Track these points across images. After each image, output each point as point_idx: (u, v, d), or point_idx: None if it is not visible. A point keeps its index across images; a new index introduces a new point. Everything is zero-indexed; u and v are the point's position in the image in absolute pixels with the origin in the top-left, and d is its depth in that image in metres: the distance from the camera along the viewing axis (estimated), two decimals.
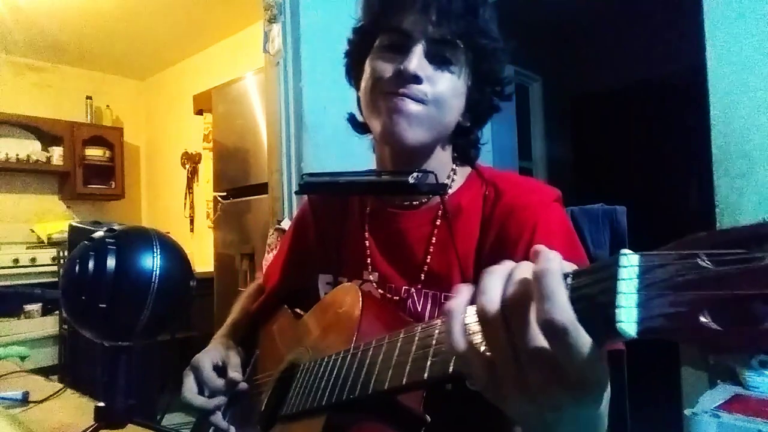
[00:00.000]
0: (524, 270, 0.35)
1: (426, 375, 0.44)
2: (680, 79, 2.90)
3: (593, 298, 0.31)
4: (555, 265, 0.33)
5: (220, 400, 0.79)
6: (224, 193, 3.11)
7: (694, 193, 3.41)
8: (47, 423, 0.94)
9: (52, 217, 4.36)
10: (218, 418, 0.79)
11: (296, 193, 0.83)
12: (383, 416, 0.56)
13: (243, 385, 0.80)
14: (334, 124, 2.12)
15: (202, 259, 3.64)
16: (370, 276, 0.77)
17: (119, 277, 0.61)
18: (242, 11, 3.46)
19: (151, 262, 0.63)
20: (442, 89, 0.69)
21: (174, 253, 0.67)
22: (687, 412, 1.28)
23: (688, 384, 1.67)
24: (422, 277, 0.72)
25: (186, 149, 4.39)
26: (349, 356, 0.57)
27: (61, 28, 3.76)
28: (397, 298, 0.74)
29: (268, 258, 2.15)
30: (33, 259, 3.88)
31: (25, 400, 1.05)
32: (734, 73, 1.56)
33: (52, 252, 3.94)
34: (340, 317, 0.67)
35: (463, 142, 0.78)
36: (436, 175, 0.72)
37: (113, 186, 4.59)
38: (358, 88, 0.77)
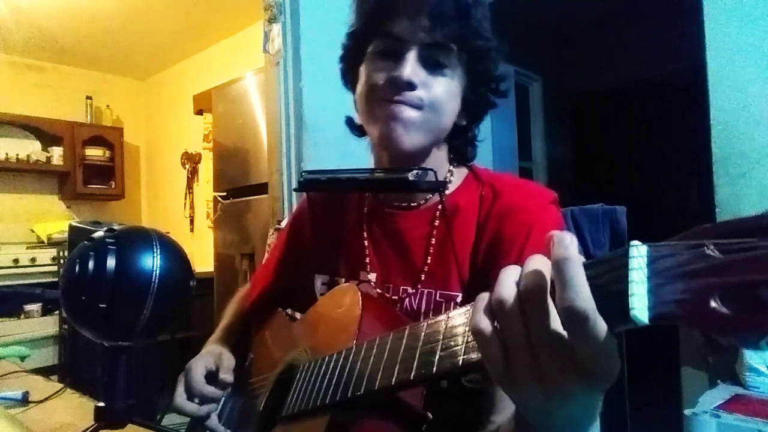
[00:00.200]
0: (539, 261, 0.36)
1: (435, 369, 0.44)
2: (680, 79, 2.90)
3: (606, 287, 0.32)
4: (575, 252, 0.34)
5: (212, 406, 0.79)
6: (224, 193, 3.11)
7: (694, 193, 3.41)
8: (47, 423, 0.94)
9: (52, 217, 4.36)
10: (214, 422, 0.79)
11: (295, 190, 0.83)
12: (386, 415, 0.56)
13: (221, 392, 0.79)
14: (334, 124, 2.12)
15: (202, 259, 3.64)
16: (368, 276, 0.77)
17: (119, 277, 0.61)
18: (242, 11, 3.46)
19: (151, 262, 0.63)
20: (438, 93, 0.69)
21: (174, 253, 0.67)
22: (687, 412, 1.28)
23: (688, 384, 1.68)
24: (422, 277, 0.72)
25: (186, 149, 4.39)
26: (353, 354, 0.56)
27: (61, 28, 3.76)
28: (396, 297, 0.74)
29: None
30: (33, 259, 3.88)
31: (25, 400, 1.05)
32: (734, 73, 1.56)
33: (52, 252, 3.94)
34: (340, 317, 0.66)
35: (459, 142, 0.78)
36: (435, 173, 0.72)
37: (113, 186, 4.60)
38: (354, 92, 0.77)
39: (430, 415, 0.56)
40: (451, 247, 0.71)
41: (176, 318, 0.69)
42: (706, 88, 1.61)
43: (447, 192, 0.75)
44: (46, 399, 1.06)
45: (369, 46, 0.72)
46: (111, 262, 0.61)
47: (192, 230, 4.37)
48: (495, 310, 0.37)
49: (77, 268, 0.61)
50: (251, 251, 2.82)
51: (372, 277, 0.77)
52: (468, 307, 0.43)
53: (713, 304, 0.28)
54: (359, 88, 0.73)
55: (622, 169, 3.92)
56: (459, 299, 0.70)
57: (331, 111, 2.17)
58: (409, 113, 0.68)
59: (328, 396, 0.57)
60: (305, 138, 2.20)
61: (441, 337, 0.45)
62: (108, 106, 4.77)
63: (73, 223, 2.77)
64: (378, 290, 0.75)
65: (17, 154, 4.14)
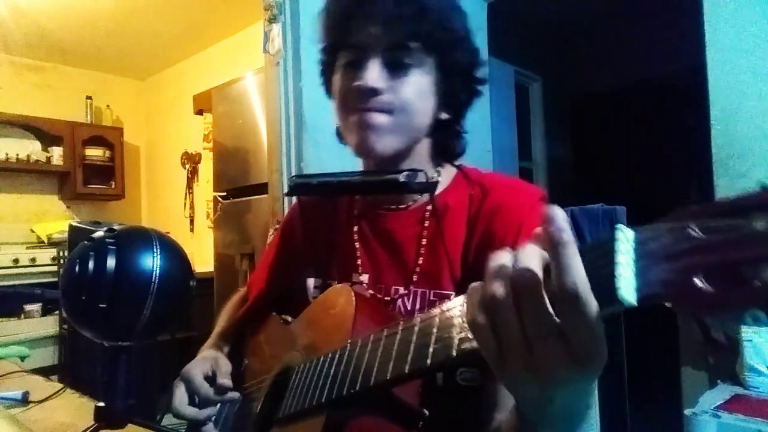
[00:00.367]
0: (530, 253, 0.36)
1: (429, 361, 0.44)
2: (680, 79, 2.90)
3: (595, 271, 0.33)
4: (570, 237, 0.34)
5: (212, 410, 0.79)
6: (224, 193, 3.11)
7: (694, 193, 3.41)
8: (47, 423, 0.94)
9: (52, 217, 4.36)
10: (210, 428, 0.79)
11: (286, 194, 0.83)
12: (383, 412, 0.56)
13: (233, 394, 0.79)
14: (334, 124, 2.12)
15: (202, 259, 3.64)
16: (360, 277, 0.77)
17: (119, 277, 0.61)
18: (242, 11, 3.46)
19: (151, 262, 0.63)
20: (407, 95, 0.69)
21: (174, 253, 0.67)
22: (687, 412, 1.28)
23: (688, 384, 1.68)
24: (414, 278, 0.73)
25: (186, 149, 4.39)
26: (347, 352, 0.57)
27: (61, 28, 3.76)
28: (388, 298, 0.74)
29: None
30: (33, 259, 3.88)
31: (25, 400, 1.05)
32: (734, 73, 1.56)
33: (52, 252, 3.94)
34: (334, 318, 0.66)
35: (443, 136, 0.77)
36: (426, 174, 0.73)
37: (113, 186, 4.59)
38: None
39: (426, 412, 0.57)
40: (443, 247, 0.71)
41: (176, 318, 0.69)
42: (706, 88, 1.61)
43: (436, 192, 0.75)
44: (46, 399, 1.06)
45: (337, 59, 0.74)
46: (111, 262, 0.61)
47: (192, 230, 4.37)
48: (488, 305, 0.37)
49: (77, 268, 0.61)
50: (251, 251, 2.82)
51: (364, 278, 0.77)
52: (461, 298, 0.44)
53: (698, 282, 0.29)
54: (334, 99, 0.75)
55: (622, 169, 3.92)
56: (453, 298, 0.70)
57: (331, 111, 2.17)
58: (378, 119, 0.69)
59: (324, 395, 0.57)
60: (305, 138, 2.20)
61: (435, 330, 0.45)
62: (108, 106, 4.77)
63: (73, 223, 2.77)
64: (371, 291, 0.75)
65: (17, 154, 4.14)
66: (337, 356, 0.58)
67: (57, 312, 3.75)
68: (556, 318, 0.34)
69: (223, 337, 0.93)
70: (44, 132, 4.28)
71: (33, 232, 4.21)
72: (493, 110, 2.87)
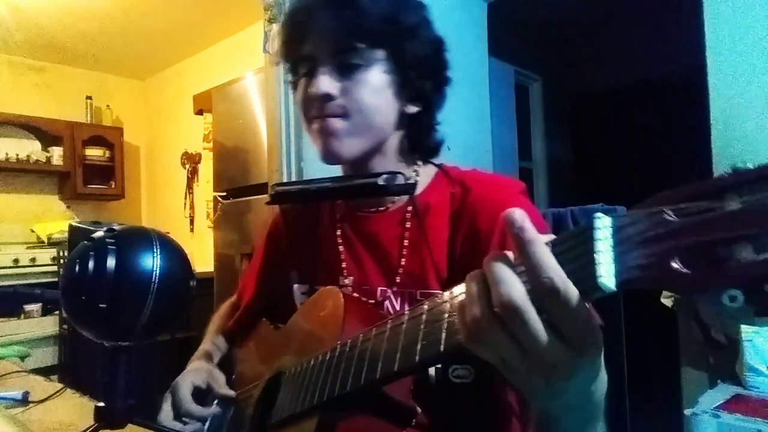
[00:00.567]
0: (501, 267, 0.36)
1: (418, 358, 0.45)
2: (680, 79, 2.90)
3: (575, 259, 0.34)
4: (533, 233, 0.35)
5: (197, 425, 0.79)
6: (224, 193, 3.11)
7: None
8: (47, 423, 0.94)
9: (52, 217, 4.36)
10: None
11: (267, 203, 0.83)
12: (375, 411, 0.56)
13: (213, 409, 0.79)
14: None
15: (202, 259, 3.64)
16: (345, 281, 0.77)
17: (119, 277, 0.61)
18: (242, 11, 3.46)
19: (151, 262, 0.63)
20: (360, 96, 0.70)
21: (174, 253, 0.66)
22: (687, 412, 1.28)
23: (688, 384, 1.68)
24: (398, 279, 0.73)
25: (186, 149, 4.39)
26: (337, 353, 0.57)
27: (61, 28, 3.76)
28: (372, 301, 0.74)
29: None
30: (33, 259, 3.88)
31: (25, 400, 1.05)
32: (734, 73, 1.56)
33: (52, 252, 3.94)
34: (323, 320, 0.66)
35: (414, 130, 0.76)
36: (404, 175, 0.73)
37: (113, 186, 4.59)
38: None
39: (418, 409, 0.57)
40: (426, 246, 0.71)
41: (176, 318, 0.69)
42: (706, 88, 1.61)
43: (417, 192, 0.76)
44: (46, 399, 1.06)
45: (296, 73, 0.75)
46: (111, 262, 0.61)
47: (192, 230, 4.37)
48: (472, 330, 0.38)
49: (77, 268, 0.61)
50: (251, 251, 2.81)
51: (349, 281, 0.77)
52: (447, 294, 0.44)
53: (675, 265, 0.29)
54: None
55: (622, 169, 3.91)
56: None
57: None
58: (336, 124, 0.70)
59: (315, 397, 0.57)
60: (305, 138, 2.20)
61: (422, 326, 0.46)
62: (108, 106, 4.77)
63: (73, 223, 2.77)
64: (356, 294, 0.75)
65: (17, 154, 4.14)
66: (327, 358, 0.58)
67: (57, 312, 3.75)
68: (545, 327, 0.35)
69: (213, 350, 0.93)
70: (44, 132, 4.28)
71: (33, 232, 4.21)
72: (493, 110, 2.87)
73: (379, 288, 0.74)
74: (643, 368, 1.55)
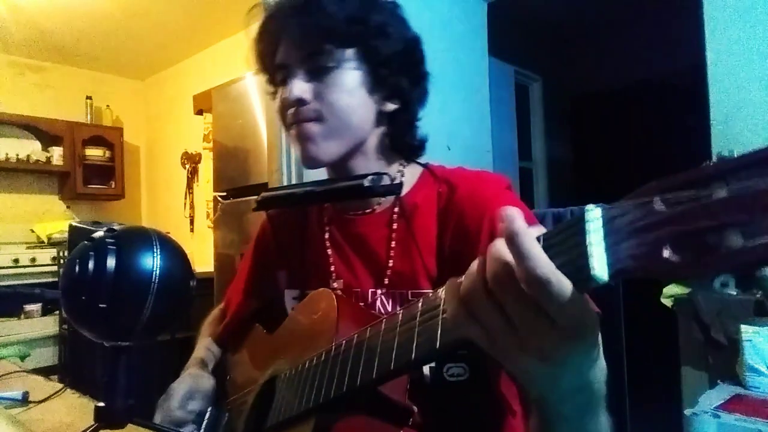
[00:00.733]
0: (499, 246, 0.37)
1: (413, 355, 0.45)
2: (680, 79, 2.90)
3: (567, 252, 0.34)
4: (522, 225, 0.35)
5: (191, 429, 0.78)
6: (224, 193, 3.11)
7: None
8: (47, 423, 0.94)
9: (52, 217, 4.36)
10: None
11: (254, 210, 0.83)
12: (372, 411, 0.56)
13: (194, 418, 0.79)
14: None
15: (202, 259, 3.64)
16: (334, 284, 0.77)
17: (119, 277, 0.61)
18: (242, 11, 3.45)
19: (151, 262, 0.63)
20: (333, 98, 0.70)
21: (174, 253, 0.66)
22: (687, 412, 1.28)
23: (688, 384, 1.68)
24: (386, 280, 0.73)
25: (186, 149, 4.39)
26: (332, 355, 0.57)
27: (61, 28, 3.76)
28: (362, 304, 0.74)
29: None
30: (33, 259, 3.88)
31: (25, 400, 1.05)
32: (734, 73, 1.56)
33: (52, 252, 3.94)
34: (317, 322, 0.66)
35: (394, 127, 0.76)
36: (390, 176, 0.74)
37: (113, 186, 4.59)
38: None
39: (415, 408, 0.57)
40: (415, 246, 0.71)
41: (176, 318, 0.69)
42: (706, 88, 1.61)
43: (404, 192, 0.76)
44: (46, 399, 1.06)
45: (273, 83, 0.77)
46: (111, 262, 0.61)
47: (192, 230, 4.37)
48: (465, 300, 0.38)
49: (77, 268, 0.61)
50: None
51: (339, 284, 0.77)
52: (440, 291, 0.45)
53: (666, 253, 0.30)
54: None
55: (622, 169, 3.92)
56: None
57: None
58: (311, 129, 0.71)
59: (311, 400, 0.57)
60: None
61: (418, 324, 0.46)
62: (108, 106, 4.77)
63: (73, 223, 2.77)
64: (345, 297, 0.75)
65: (17, 154, 4.14)
66: (322, 359, 0.58)
67: (57, 312, 3.76)
68: (530, 298, 0.35)
69: (206, 357, 0.92)
70: (44, 132, 4.28)
71: (33, 232, 4.21)
72: (493, 110, 2.87)
73: (370, 290, 0.74)
74: (643, 368, 1.55)
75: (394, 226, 0.74)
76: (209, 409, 0.80)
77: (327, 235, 0.81)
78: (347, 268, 0.77)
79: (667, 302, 1.73)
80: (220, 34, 4.02)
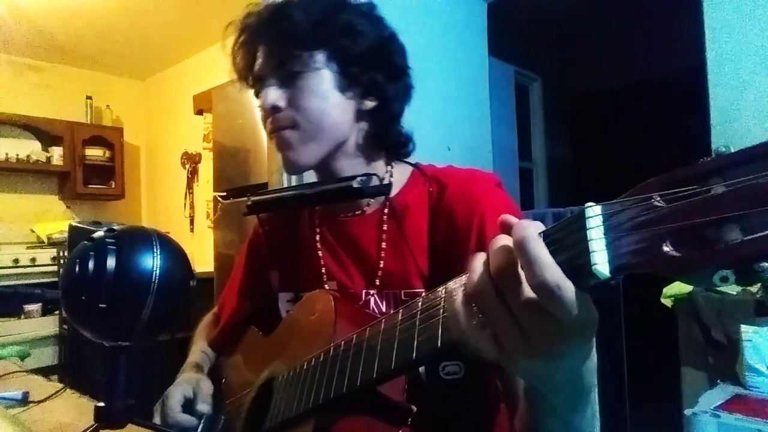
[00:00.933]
0: (502, 241, 0.37)
1: (414, 355, 0.45)
2: (680, 79, 2.90)
3: (568, 249, 0.35)
4: (533, 232, 0.35)
5: None
6: (224, 193, 3.11)
7: None
8: (47, 423, 0.94)
9: (52, 217, 4.36)
10: None
11: (245, 214, 0.84)
12: (371, 411, 0.56)
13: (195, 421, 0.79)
14: None
15: (202, 259, 3.64)
16: (326, 285, 0.77)
17: (119, 277, 0.61)
18: (243, 11, 3.46)
19: (151, 262, 0.63)
20: (305, 102, 0.71)
21: (174, 253, 0.66)
22: (687, 412, 1.28)
23: (688, 384, 1.68)
24: (377, 281, 0.73)
25: (186, 149, 4.39)
26: (331, 355, 0.56)
27: (61, 28, 3.76)
28: (355, 306, 0.74)
29: None
30: (33, 259, 3.87)
31: (25, 400, 1.05)
32: (734, 73, 1.56)
33: (52, 252, 3.94)
34: (314, 323, 0.66)
35: (373, 124, 0.76)
36: (379, 177, 0.74)
37: (113, 186, 4.59)
38: None
39: (414, 408, 0.57)
40: (406, 246, 0.72)
41: (176, 318, 0.69)
42: (706, 88, 1.61)
43: (394, 192, 0.76)
44: (46, 399, 1.06)
45: (258, 95, 0.77)
46: (111, 262, 0.61)
47: (192, 230, 4.36)
48: (471, 294, 0.38)
49: (77, 268, 0.61)
50: None
51: (331, 285, 0.77)
52: (440, 290, 0.45)
53: (666, 249, 0.30)
54: None
55: (622, 169, 3.91)
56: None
57: None
58: (288, 136, 0.72)
59: (310, 401, 0.57)
60: None
61: (418, 323, 0.46)
62: (108, 106, 4.76)
63: (73, 223, 2.77)
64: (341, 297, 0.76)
65: (17, 154, 4.14)
66: (321, 360, 0.58)
67: (57, 312, 3.75)
68: (536, 299, 0.35)
69: (202, 360, 0.92)
70: (44, 132, 4.27)
71: (33, 232, 4.21)
72: (493, 110, 2.87)
73: (362, 290, 0.74)
74: (643, 368, 1.55)
75: (384, 227, 0.74)
76: (206, 412, 0.80)
77: (318, 237, 0.81)
78: (339, 269, 0.77)
79: (667, 302, 1.73)
80: (220, 34, 4.01)
